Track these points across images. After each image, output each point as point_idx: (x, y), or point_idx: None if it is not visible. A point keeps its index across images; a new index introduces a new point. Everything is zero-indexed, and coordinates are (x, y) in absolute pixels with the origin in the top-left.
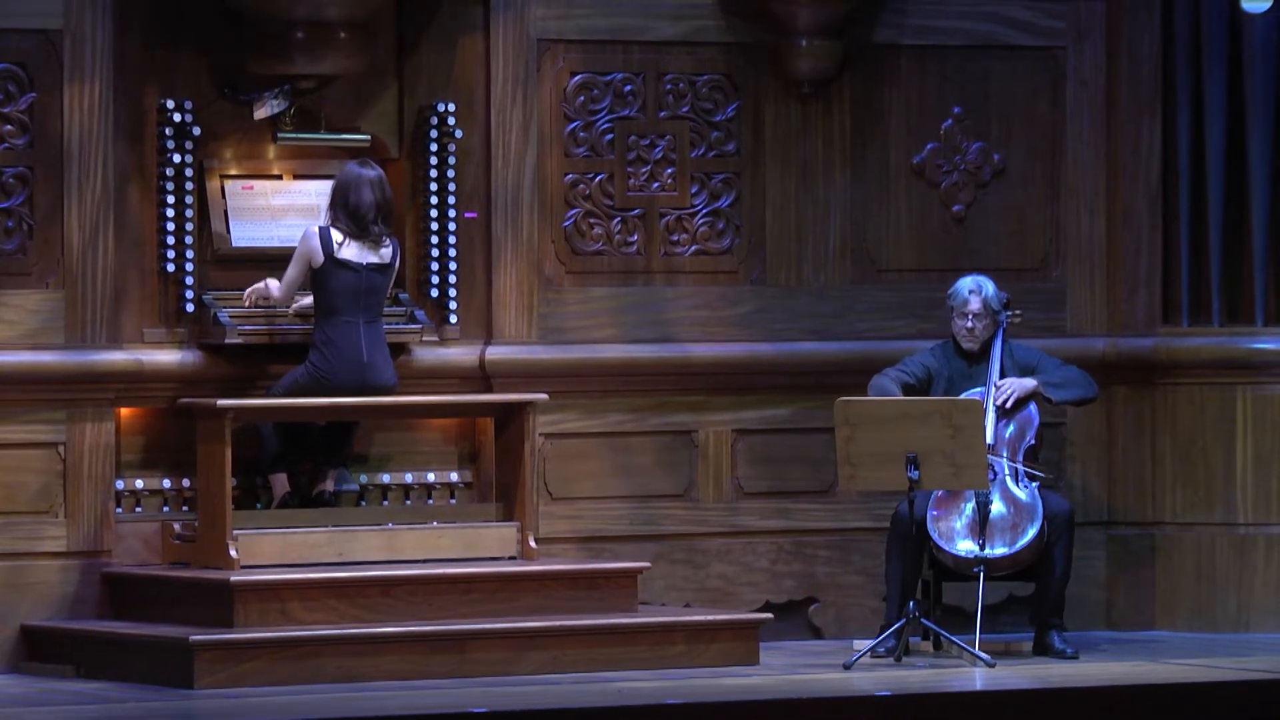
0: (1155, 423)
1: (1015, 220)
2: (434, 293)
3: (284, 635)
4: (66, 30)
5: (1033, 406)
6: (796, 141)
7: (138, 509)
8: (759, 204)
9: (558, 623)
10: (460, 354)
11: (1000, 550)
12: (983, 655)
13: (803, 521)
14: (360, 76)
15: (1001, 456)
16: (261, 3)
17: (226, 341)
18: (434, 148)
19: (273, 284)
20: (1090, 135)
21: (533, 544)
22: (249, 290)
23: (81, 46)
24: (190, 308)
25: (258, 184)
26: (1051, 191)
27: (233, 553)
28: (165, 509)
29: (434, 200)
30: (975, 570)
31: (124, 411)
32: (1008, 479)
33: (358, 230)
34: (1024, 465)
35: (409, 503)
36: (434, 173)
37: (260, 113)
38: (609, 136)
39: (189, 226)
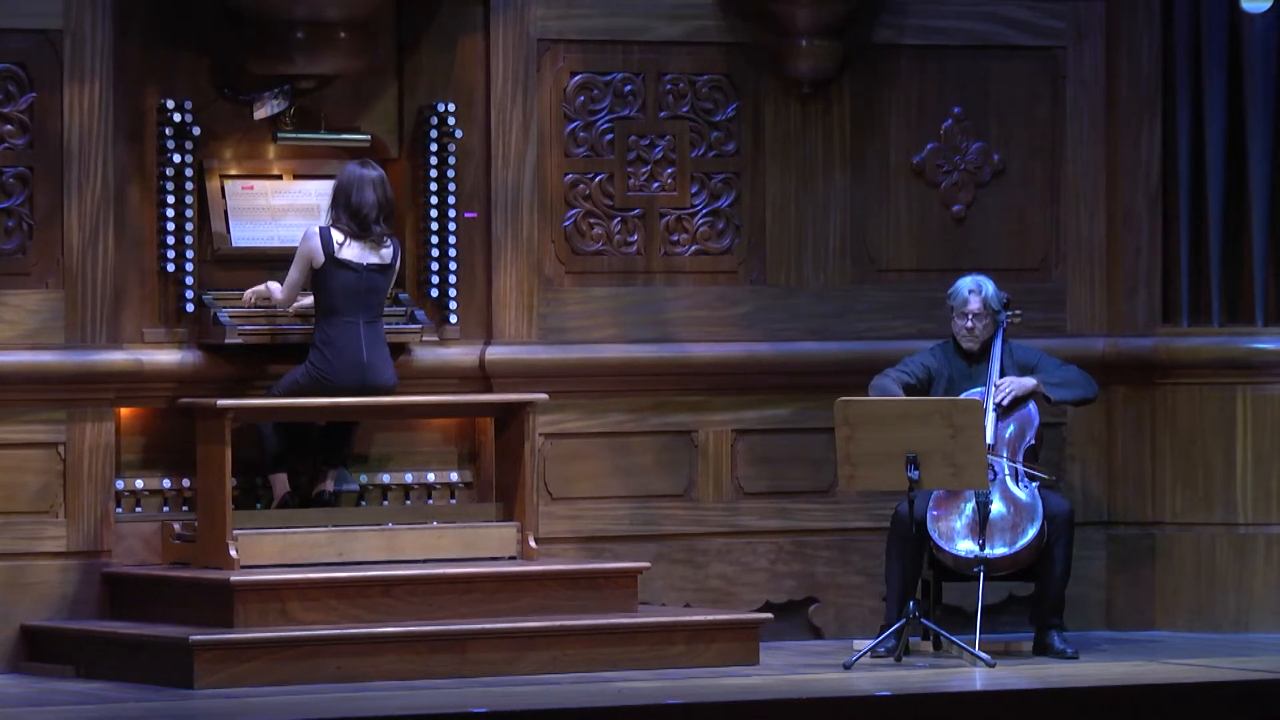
0: (1155, 423)
1: (1015, 220)
2: (434, 293)
3: (284, 635)
4: (66, 30)
5: (1032, 406)
6: (796, 141)
7: (138, 509)
8: (759, 204)
9: (558, 623)
10: (460, 354)
11: (1000, 550)
12: (983, 655)
13: (803, 521)
14: (360, 76)
15: (1001, 456)
16: (261, 3)
17: (226, 341)
18: (434, 148)
19: (274, 286)
20: (1090, 135)
21: (533, 544)
22: (249, 292)
23: (81, 46)
24: (190, 308)
25: (258, 184)
26: (1051, 191)
27: (233, 553)
28: (165, 509)
29: (434, 200)
30: (975, 570)
31: (124, 411)
32: (1008, 479)
33: (359, 230)
34: (1027, 468)
35: (409, 503)
36: (434, 173)
37: (260, 113)
38: (609, 136)
39: (189, 226)
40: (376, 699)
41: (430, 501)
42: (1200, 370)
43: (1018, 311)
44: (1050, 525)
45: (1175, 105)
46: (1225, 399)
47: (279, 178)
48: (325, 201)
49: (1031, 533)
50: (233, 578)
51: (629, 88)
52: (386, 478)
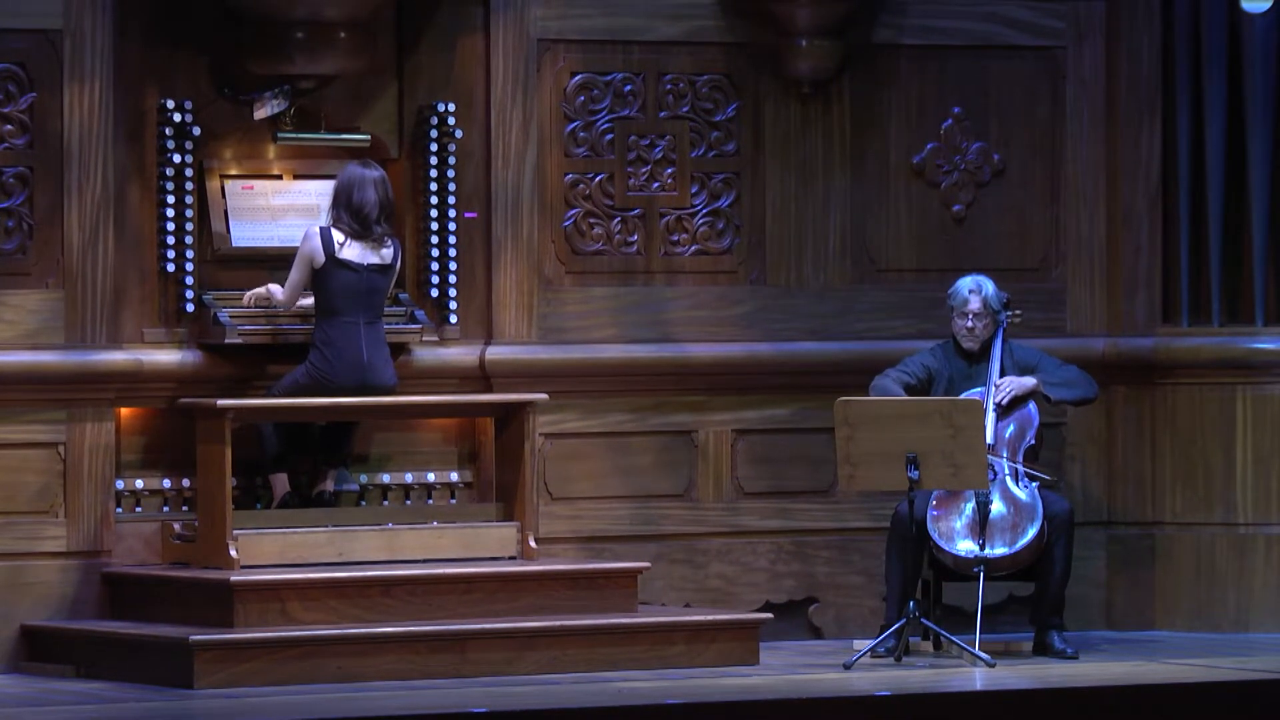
0: (1155, 423)
1: (1015, 220)
2: (434, 293)
3: (284, 635)
4: (66, 30)
5: (1032, 406)
6: (796, 141)
7: (138, 509)
8: (759, 204)
9: (558, 623)
10: (460, 354)
11: (1000, 550)
12: (983, 655)
13: (803, 521)
14: (360, 76)
15: (1001, 456)
16: (261, 3)
17: (226, 341)
18: (434, 148)
19: (274, 289)
20: (1090, 135)
21: (533, 544)
22: (249, 294)
23: (81, 46)
24: (190, 308)
25: (258, 184)
26: (1051, 191)
27: (233, 553)
28: (165, 509)
29: (434, 200)
30: (975, 570)
31: (124, 411)
32: (1008, 479)
33: (361, 230)
34: (1029, 469)
35: (409, 503)
36: (434, 173)
37: (260, 113)
38: (609, 136)
39: (189, 226)
40: (376, 699)
41: (430, 501)
42: (1200, 370)
43: (1018, 311)
44: (1050, 525)
45: (1175, 105)
46: (1225, 399)
47: (279, 178)
48: (325, 201)
49: (1031, 533)
50: (233, 578)
51: (629, 88)
52: (386, 478)
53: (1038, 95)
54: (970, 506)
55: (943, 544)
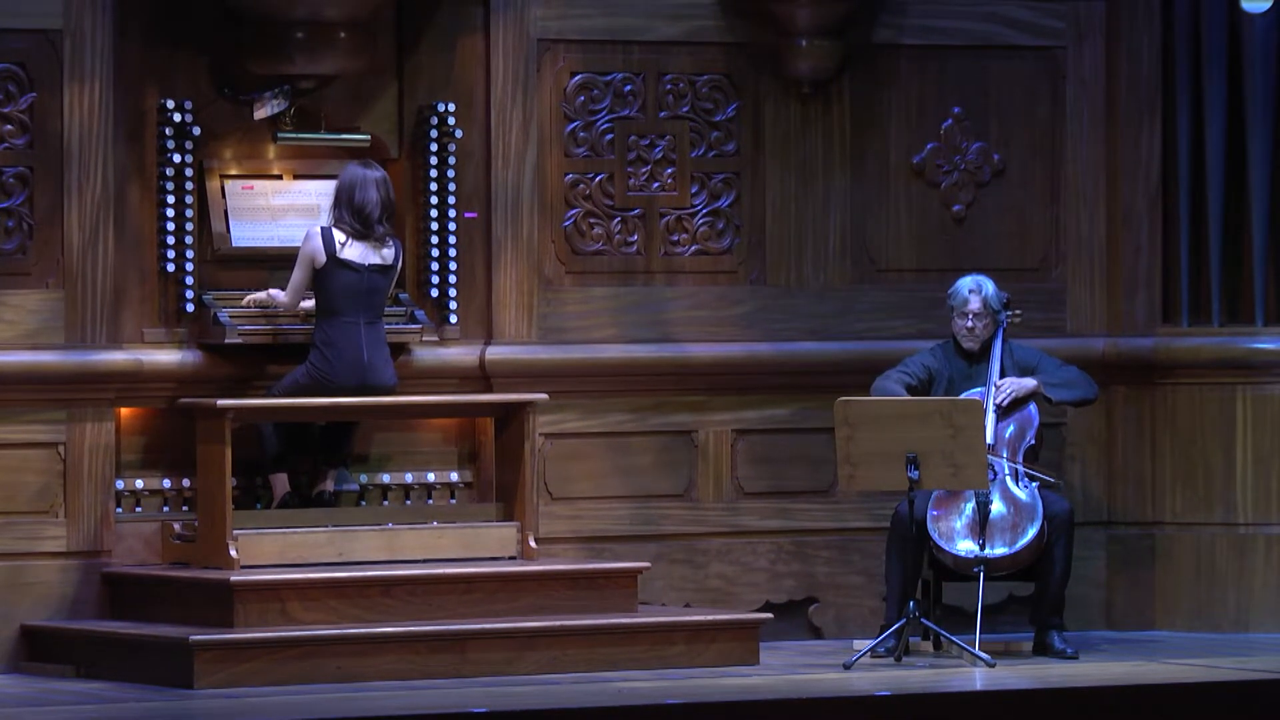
0: (1155, 423)
1: (1015, 220)
2: (434, 293)
3: (284, 635)
4: (66, 30)
5: (1032, 406)
6: (796, 141)
7: (138, 509)
8: (759, 204)
9: (558, 623)
10: (460, 354)
11: (1000, 550)
12: (983, 655)
13: (803, 521)
14: (360, 76)
15: (1001, 456)
16: (261, 3)
17: (226, 341)
18: (434, 148)
19: (276, 294)
20: (1090, 135)
21: (533, 544)
22: (250, 298)
23: (81, 46)
24: (190, 308)
25: (258, 184)
26: (1051, 191)
27: (233, 553)
28: (165, 509)
29: (434, 200)
30: (975, 570)
31: (124, 411)
32: (1008, 479)
33: (363, 230)
34: (1030, 469)
35: (409, 503)
36: (434, 173)
37: (260, 113)
38: (609, 136)
39: (189, 226)
40: (376, 699)
41: (430, 501)
42: (1200, 370)
43: (1018, 311)
44: (1050, 525)
45: (1175, 105)
46: (1225, 399)
47: (279, 178)
48: (325, 201)
49: (1031, 533)
50: (233, 578)
51: (629, 88)
52: (386, 478)
53: (1038, 95)
54: (970, 506)
55: (943, 544)
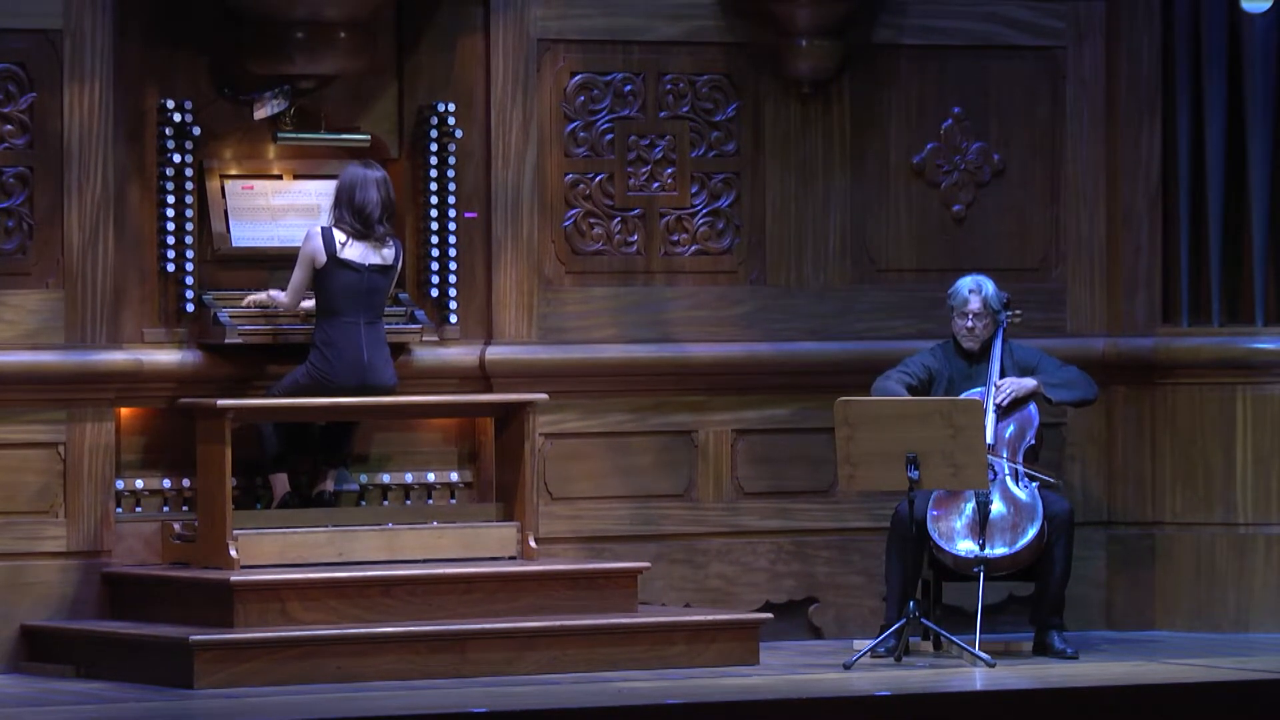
0: (1155, 423)
1: (1015, 220)
2: (434, 293)
3: (284, 635)
4: (66, 30)
5: (1033, 406)
6: (796, 141)
7: (138, 509)
8: (759, 204)
9: (558, 623)
10: (460, 354)
11: (1000, 550)
12: (983, 655)
13: (803, 521)
14: (360, 76)
15: (1001, 456)
16: (261, 3)
17: (226, 341)
18: (434, 148)
19: (276, 294)
20: (1090, 135)
21: (533, 544)
22: (250, 299)
23: (81, 46)
24: (190, 308)
25: (258, 184)
26: (1051, 191)
27: (233, 553)
28: (165, 509)
29: (434, 200)
30: (975, 570)
31: (124, 411)
32: (1008, 479)
33: (363, 229)
34: (1030, 469)
35: (409, 503)
36: (434, 173)
37: (260, 113)
38: (609, 136)
39: (189, 226)
40: (376, 699)
41: (430, 501)
42: (1200, 370)
43: (1018, 311)
44: (1050, 525)
45: (1175, 105)
46: (1225, 399)
47: (279, 178)
48: (325, 201)
49: (1031, 533)
50: (233, 578)
51: (629, 88)
52: (386, 478)
53: (1038, 95)
54: (970, 506)
55: (943, 544)
